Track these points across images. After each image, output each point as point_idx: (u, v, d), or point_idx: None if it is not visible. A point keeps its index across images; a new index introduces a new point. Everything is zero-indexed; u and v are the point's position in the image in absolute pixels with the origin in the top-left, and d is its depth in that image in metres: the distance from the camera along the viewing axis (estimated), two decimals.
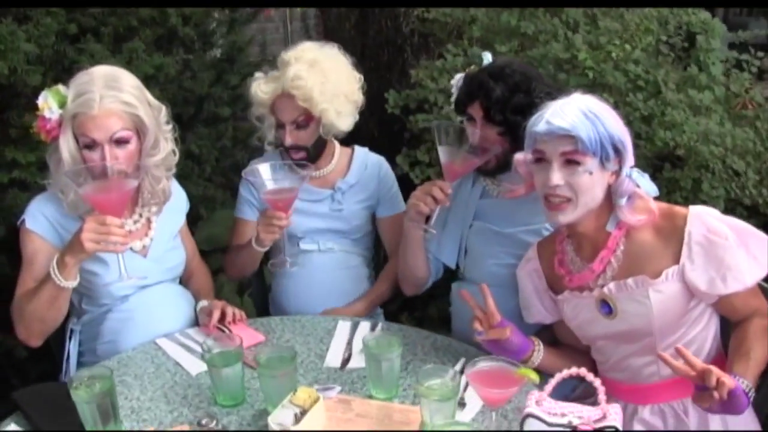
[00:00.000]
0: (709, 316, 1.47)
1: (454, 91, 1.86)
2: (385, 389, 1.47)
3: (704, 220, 1.41)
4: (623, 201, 1.43)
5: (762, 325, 1.40)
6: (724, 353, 1.47)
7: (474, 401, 1.41)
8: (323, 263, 2.04)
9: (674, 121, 2.20)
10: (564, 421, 1.07)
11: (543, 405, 1.11)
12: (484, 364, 1.29)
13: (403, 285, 1.98)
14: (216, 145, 2.74)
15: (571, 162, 1.38)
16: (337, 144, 2.08)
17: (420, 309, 2.54)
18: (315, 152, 1.96)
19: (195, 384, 1.53)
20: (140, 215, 1.73)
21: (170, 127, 1.69)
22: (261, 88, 1.89)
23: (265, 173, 1.74)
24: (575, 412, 1.08)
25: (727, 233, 1.38)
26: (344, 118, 1.94)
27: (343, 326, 1.80)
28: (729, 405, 1.19)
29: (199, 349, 1.63)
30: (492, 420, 1.27)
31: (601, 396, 1.10)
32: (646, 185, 1.45)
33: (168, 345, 1.69)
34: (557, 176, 1.38)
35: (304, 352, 1.66)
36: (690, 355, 1.23)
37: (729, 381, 1.17)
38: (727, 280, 1.37)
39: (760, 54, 2.66)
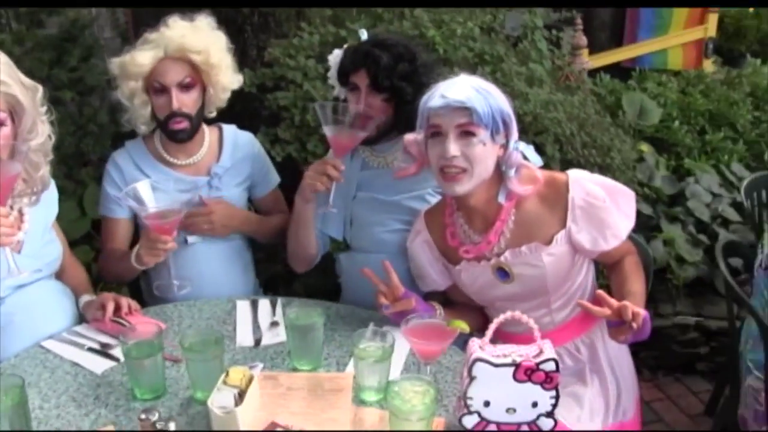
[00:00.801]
0: (588, 264, 1.68)
1: (333, 65, 1.90)
2: (310, 360, 1.48)
3: (582, 185, 1.57)
4: (512, 172, 1.55)
5: (633, 262, 1.63)
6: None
7: (396, 362, 1.48)
8: (208, 253, 1.94)
9: (520, 91, 2.43)
10: (508, 360, 1.17)
11: (486, 350, 1.21)
12: (417, 321, 1.36)
13: (295, 263, 1.98)
14: (56, 131, 2.49)
15: (466, 133, 1.46)
16: (204, 126, 2.01)
17: (299, 282, 2.54)
18: (196, 124, 1.87)
19: (104, 382, 1.43)
20: (11, 207, 1.55)
21: (45, 108, 1.53)
22: (136, 60, 1.76)
23: (146, 194, 1.60)
24: (516, 352, 1.20)
25: (603, 195, 1.56)
26: (227, 87, 1.89)
27: (243, 305, 1.77)
28: (640, 332, 1.38)
29: (97, 346, 1.52)
30: (428, 373, 1.35)
31: (536, 333, 1.23)
32: (531, 156, 1.61)
33: (58, 346, 1.55)
34: (454, 147, 1.46)
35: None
36: (608, 298, 1.40)
37: (641, 310, 1.36)
38: (607, 237, 1.55)
39: (571, 32, 3.03)
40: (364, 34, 1.87)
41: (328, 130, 1.71)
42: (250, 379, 1.31)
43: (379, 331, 1.40)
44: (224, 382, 1.30)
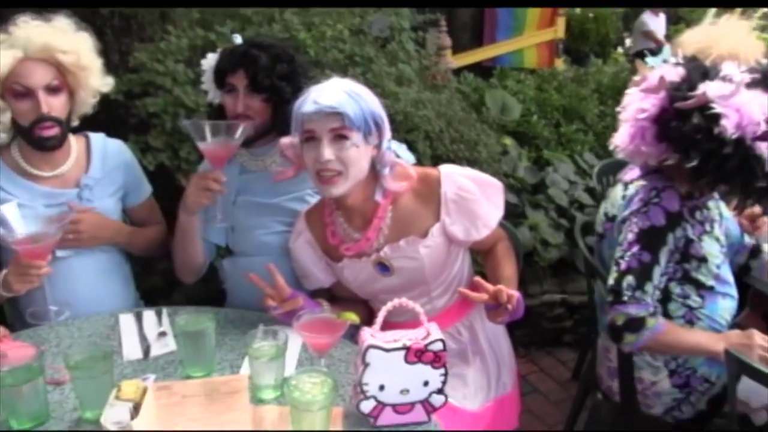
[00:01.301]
0: (463, 253, 1.79)
1: (207, 68, 1.89)
2: (203, 366, 1.48)
3: (454, 179, 1.66)
4: (386, 171, 1.62)
5: (505, 248, 1.77)
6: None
7: (290, 358, 1.51)
8: (83, 268, 1.84)
9: (390, 91, 2.53)
10: (399, 345, 1.24)
11: (377, 337, 1.27)
12: (308, 317, 1.40)
13: (184, 275, 1.94)
14: None
15: (339, 137, 1.51)
16: (70, 135, 1.92)
17: (179, 293, 2.48)
18: (65, 131, 1.77)
19: None
20: None
21: None
22: None
23: (12, 217, 1.50)
24: (405, 336, 1.27)
25: (474, 188, 1.66)
26: (97, 91, 1.83)
27: (126, 319, 1.73)
28: (515, 312, 1.50)
29: None
30: (322, 365, 1.39)
31: (423, 318, 1.31)
32: (403, 154, 1.69)
33: None
34: (328, 151, 1.50)
35: None
36: (485, 284, 1.50)
37: (514, 292, 1.48)
38: (479, 227, 1.66)
39: (436, 34, 3.18)
40: (238, 39, 1.87)
41: (203, 146, 1.69)
42: (144, 391, 1.29)
43: (271, 330, 1.43)
44: (117, 397, 1.27)
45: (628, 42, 8.94)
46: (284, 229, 1.85)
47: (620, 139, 1.79)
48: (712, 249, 1.78)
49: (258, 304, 1.62)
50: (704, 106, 1.58)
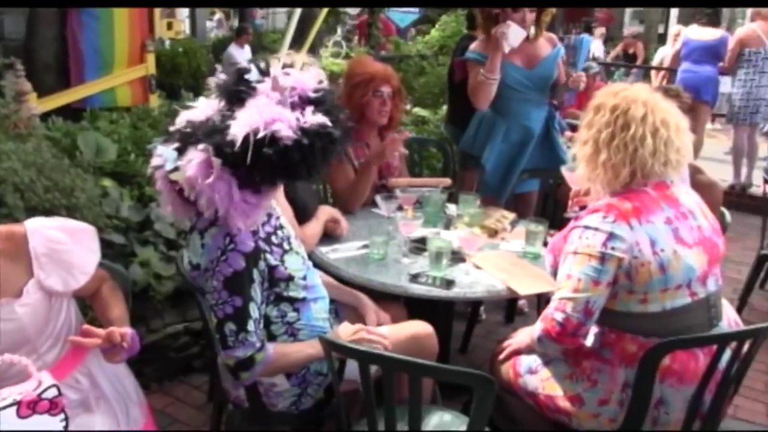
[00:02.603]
0: (67, 302, 1.78)
1: None
2: None
3: (42, 232, 1.67)
4: None
5: (109, 288, 1.84)
6: None
7: None
8: None
9: None
10: (9, 402, 1.23)
11: None
12: None
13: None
14: None
15: None
16: None
17: None
18: None
19: None
20: None
21: None
22: None
23: None
24: (14, 392, 1.26)
25: (64, 238, 1.68)
26: None
27: None
28: (131, 349, 1.58)
29: None
30: None
31: (31, 368, 1.31)
32: None
33: None
34: None
35: None
36: (94, 329, 1.54)
37: (127, 330, 1.56)
38: (77, 276, 1.70)
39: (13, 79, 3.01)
40: None
41: None
42: None
43: None
44: None
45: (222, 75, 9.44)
46: None
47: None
48: (295, 265, 1.98)
49: None
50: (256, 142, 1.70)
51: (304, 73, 1.82)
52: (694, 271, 1.88)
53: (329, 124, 1.72)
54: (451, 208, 2.93)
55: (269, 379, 2.01)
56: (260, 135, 1.66)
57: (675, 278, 1.86)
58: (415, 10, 6.60)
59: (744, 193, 6.27)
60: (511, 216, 2.90)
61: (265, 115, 1.69)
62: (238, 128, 1.68)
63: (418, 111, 5.46)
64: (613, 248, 1.84)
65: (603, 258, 1.84)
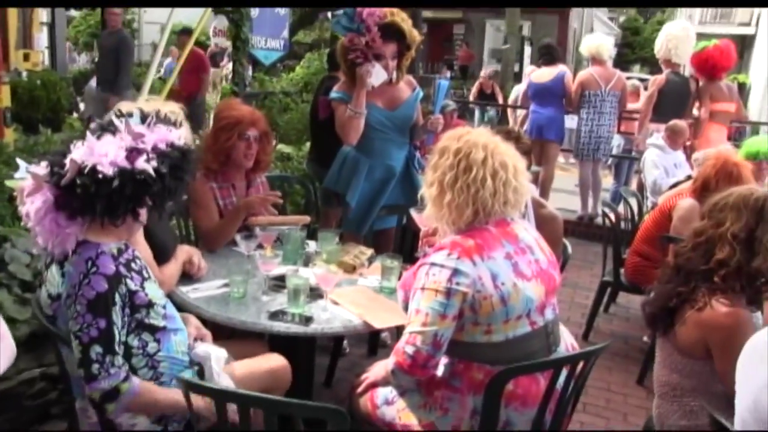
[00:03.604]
0: None
1: None
2: None
3: None
4: None
5: None
6: None
7: None
8: None
9: None
10: None
11: None
12: None
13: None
14: None
15: None
16: None
17: None
18: None
19: None
20: None
21: None
22: None
23: None
24: None
25: None
26: None
27: None
28: None
29: None
30: None
31: None
32: None
33: None
34: None
35: None
36: None
37: None
38: None
39: None
40: None
41: None
42: None
43: None
44: None
45: (82, 107, 9.15)
46: None
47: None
48: (155, 293, 2.05)
49: None
50: (81, 169, 1.86)
51: (169, 129, 2.00)
52: (533, 301, 2.08)
53: (152, 175, 1.89)
54: (312, 246, 3.07)
55: (129, 419, 2.01)
56: (84, 164, 1.84)
57: (515, 309, 2.04)
58: (280, 47, 6.74)
59: (591, 223, 6.83)
60: (369, 252, 3.08)
61: (101, 149, 1.87)
62: (75, 154, 1.87)
63: (282, 147, 5.59)
64: (457, 283, 2.00)
65: (449, 293, 2.00)
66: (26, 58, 8.05)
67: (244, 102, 3.52)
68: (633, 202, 5.13)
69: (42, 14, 9.74)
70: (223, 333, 2.51)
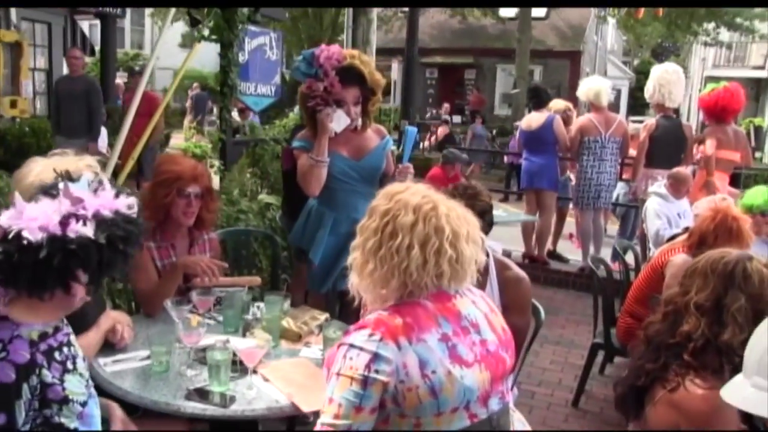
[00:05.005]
0: None
1: None
2: None
3: None
4: None
5: None
6: None
7: None
8: None
9: None
10: None
11: None
12: None
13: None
14: None
15: None
16: None
17: None
18: None
19: None
20: None
21: None
22: None
23: None
24: None
25: None
26: None
27: None
28: None
29: None
30: None
31: None
32: None
33: None
34: None
35: None
36: None
37: None
38: None
39: None
40: None
41: None
42: None
43: None
44: None
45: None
46: None
47: None
48: (76, 388, 1.78)
49: None
50: (5, 235, 1.64)
51: (117, 195, 1.76)
52: (473, 392, 1.77)
53: (86, 245, 1.66)
54: (260, 310, 2.80)
55: None
56: (9, 228, 1.63)
57: (449, 401, 1.74)
58: (271, 93, 6.59)
59: (592, 275, 6.48)
60: (323, 317, 2.81)
61: (31, 213, 1.65)
62: (2, 217, 1.66)
63: (264, 197, 5.36)
64: (377, 371, 1.70)
65: (365, 382, 1.71)
66: (13, 104, 7.93)
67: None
68: (629, 255, 4.83)
69: (31, 60, 9.71)
70: (139, 409, 2.24)
